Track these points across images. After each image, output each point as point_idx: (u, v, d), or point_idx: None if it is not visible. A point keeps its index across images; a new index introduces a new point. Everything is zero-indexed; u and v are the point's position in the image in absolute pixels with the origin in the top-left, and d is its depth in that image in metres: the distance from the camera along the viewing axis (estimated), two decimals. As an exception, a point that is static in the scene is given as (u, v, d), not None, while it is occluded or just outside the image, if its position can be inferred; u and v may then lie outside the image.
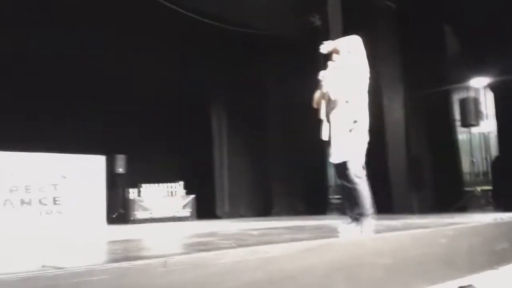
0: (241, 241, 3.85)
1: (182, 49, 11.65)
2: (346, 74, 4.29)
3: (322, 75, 4.38)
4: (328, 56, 4.46)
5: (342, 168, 4.26)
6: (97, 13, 9.89)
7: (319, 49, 4.47)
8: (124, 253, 3.39)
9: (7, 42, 9.20)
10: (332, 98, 4.26)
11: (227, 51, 11.52)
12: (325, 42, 4.46)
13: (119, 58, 10.61)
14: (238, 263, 2.80)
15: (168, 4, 9.37)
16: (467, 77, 10.70)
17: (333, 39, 11.04)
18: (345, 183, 4.28)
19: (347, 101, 4.23)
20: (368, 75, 4.37)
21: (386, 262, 3.60)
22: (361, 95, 4.33)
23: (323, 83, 4.34)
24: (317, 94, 4.46)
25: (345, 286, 3.29)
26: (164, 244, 4.47)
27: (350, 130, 4.21)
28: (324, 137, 4.30)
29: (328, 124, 4.29)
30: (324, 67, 4.45)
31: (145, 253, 3.61)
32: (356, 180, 4.23)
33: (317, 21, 11.98)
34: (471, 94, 10.64)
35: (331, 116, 4.28)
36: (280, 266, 2.99)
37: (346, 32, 10.67)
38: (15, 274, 2.18)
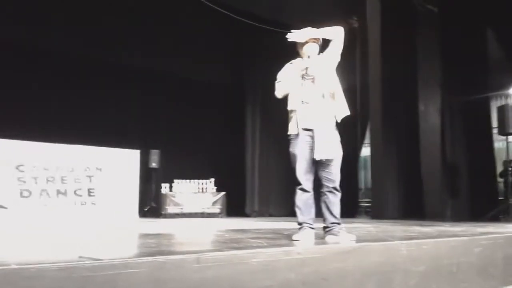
0: (272, 241, 3.85)
1: (222, 47, 11.76)
2: (327, 64, 4.06)
3: (307, 64, 4.04)
4: (298, 45, 4.14)
5: (322, 167, 3.90)
6: (134, 5, 10.06)
7: (287, 38, 4.06)
8: (158, 247, 3.43)
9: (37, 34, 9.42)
10: (322, 89, 3.95)
11: (266, 50, 11.55)
12: (301, 30, 4.08)
13: (152, 54, 10.77)
14: (272, 263, 2.81)
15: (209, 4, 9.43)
16: (507, 84, 10.47)
17: (371, 41, 11.00)
18: (326, 185, 3.90)
19: (333, 94, 3.97)
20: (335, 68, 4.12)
21: (419, 269, 3.56)
22: (339, 87, 4.07)
23: (307, 71, 4.00)
24: (285, 82, 4.08)
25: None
26: (196, 240, 4.50)
27: (337, 125, 3.96)
28: (299, 129, 3.93)
29: (303, 114, 3.93)
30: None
31: (178, 248, 3.65)
32: (338, 181, 3.93)
33: (355, 23, 11.90)
34: (510, 101, 10.38)
35: (315, 106, 3.91)
36: (313, 268, 2.99)
37: (384, 35, 10.67)
38: (53, 264, 2.23)
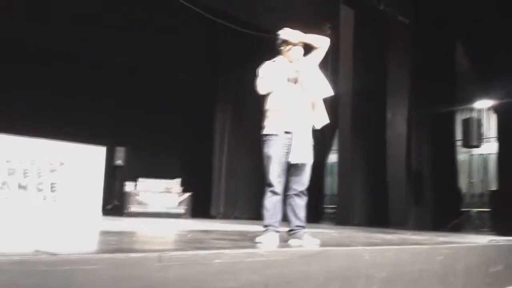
0: (236, 242, 3.82)
1: (190, 45, 11.67)
2: (317, 71, 4.06)
3: (299, 67, 4.00)
4: (284, 46, 4.08)
5: (296, 171, 3.88)
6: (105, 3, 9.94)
7: (278, 34, 4.06)
8: (119, 245, 3.36)
9: (9, 28, 9.21)
10: (309, 92, 3.93)
11: (236, 50, 11.53)
12: (290, 30, 4.06)
13: (125, 52, 10.64)
14: (235, 264, 2.77)
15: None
16: (472, 98, 10.70)
17: (343, 49, 11.10)
18: (295, 188, 3.89)
19: (316, 101, 3.97)
20: None
21: (381, 275, 3.58)
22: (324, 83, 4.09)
23: (298, 74, 3.96)
24: (272, 80, 3.97)
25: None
26: (158, 239, 4.43)
27: (313, 131, 3.96)
28: (279, 131, 3.87)
29: (285, 116, 3.87)
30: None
31: (139, 246, 3.58)
32: (307, 185, 3.93)
33: (328, 30, 11.98)
34: (475, 115, 10.62)
35: (299, 112, 3.88)
36: (276, 270, 2.96)
37: (356, 43, 10.78)
38: (8, 257, 2.15)
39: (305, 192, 3.91)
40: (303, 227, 3.87)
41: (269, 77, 3.98)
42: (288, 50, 4.08)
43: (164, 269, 2.50)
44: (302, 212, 3.89)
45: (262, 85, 3.99)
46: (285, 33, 4.05)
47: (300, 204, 3.89)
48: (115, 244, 3.43)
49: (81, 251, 2.91)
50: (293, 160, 3.80)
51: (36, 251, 2.51)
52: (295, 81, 3.96)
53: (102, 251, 2.91)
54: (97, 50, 10.37)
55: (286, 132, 3.87)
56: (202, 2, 9.72)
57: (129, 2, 10.29)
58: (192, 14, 9.87)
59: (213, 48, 12.27)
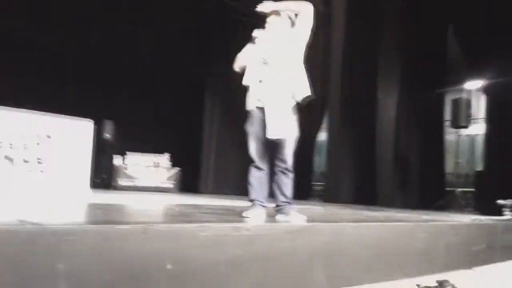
0: (222, 216, 3.84)
1: (179, 20, 11.57)
2: (288, 41, 3.92)
3: (257, 34, 3.97)
4: (266, 17, 4.04)
5: (275, 147, 3.85)
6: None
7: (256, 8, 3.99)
8: (105, 217, 3.37)
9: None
10: (274, 65, 3.84)
11: (226, 27, 11.43)
12: (266, 2, 4.02)
13: (113, 26, 10.52)
14: (220, 238, 2.79)
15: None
16: (462, 79, 10.73)
17: (335, 28, 11.02)
18: (278, 164, 3.87)
19: (289, 72, 3.84)
20: (305, 47, 3.98)
21: (366, 251, 3.62)
22: (302, 66, 3.95)
23: (257, 42, 3.94)
24: (243, 55, 4.02)
25: (325, 272, 3.30)
26: (145, 212, 4.44)
27: (294, 105, 3.85)
28: (251, 106, 3.89)
29: (257, 92, 3.87)
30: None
31: (125, 219, 3.59)
32: (290, 162, 3.87)
33: (320, 7, 11.89)
34: (464, 95, 10.66)
35: (270, 85, 3.83)
36: (262, 245, 2.99)
37: (348, 24, 10.73)
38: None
39: (290, 169, 3.89)
40: (289, 203, 3.89)
41: (240, 54, 4.03)
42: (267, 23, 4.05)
43: (150, 242, 2.51)
44: (287, 189, 3.90)
45: (236, 61, 4.06)
46: (261, 6, 4.00)
47: (285, 181, 3.89)
48: (101, 216, 3.44)
49: (67, 222, 2.91)
50: (268, 135, 3.77)
51: (21, 221, 2.51)
52: (263, 55, 3.91)
53: (87, 222, 2.91)
54: (85, 26, 10.25)
55: (258, 108, 3.87)
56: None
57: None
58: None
59: (201, 22, 12.12)
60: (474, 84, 10.70)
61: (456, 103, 9.99)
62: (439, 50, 10.54)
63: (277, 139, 3.79)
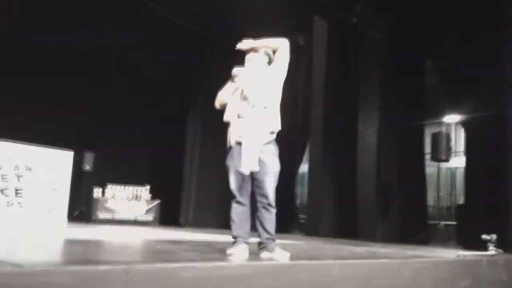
0: (205, 254, 3.77)
1: (164, 53, 11.58)
2: (264, 76, 3.98)
3: (237, 72, 4.02)
4: (245, 54, 4.11)
5: (257, 182, 3.83)
6: (80, 8, 9.79)
7: (235, 46, 4.08)
8: (85, 255, 3.28)
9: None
10: (252, 101, 3.88)
11: (209, 60, 11.47)
12: (245, 40, 4.08)
13: (98, 56, 10.49)
14: (203, 279, 2.72)
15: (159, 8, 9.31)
16: (441, 112, 10.88)
17: (316, 60, 11.15)
18: (260, 200, 3.82)
19: (266, 107, 3.88)
20: (282, 82, 4.04)
21: (350, 290, 3.57)
22: (278, 102, 4.00)
23: (236, 80, 3.99)
24: (224, 93, 4.09)
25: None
26: (126, 249, 4.34)
27: (268, 142, 3.87)
28: (231, 142, 3.92)
29: (236, 127, 3.89)
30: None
31: (106, 257, 3.50)
32: (272, 197, 3.83)
33: (301, 41, 12.06)
34: (444, 129, 10.79)
35: (246, 119, 3.85)
36: (245, 285, 2.92)
37: (329, 55, 10.87)
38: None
39: (272, 204, 3.85)
40: (273, 239, 3.84)
41: (220, 92, 4.12)
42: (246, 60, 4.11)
43: (131, 283, 2.44)
44: (270, 225, 3.85)
45: (215, 101, 4.16)
46: (240, 44, 4.07)
47: (267, 217, 3.84)
48: (81, 254, 3.35)
49: (46, 262, 2.82)
50: (242, 170, 3.75)
51: (0, 261, 2.42)
52: (241, 91, 3.96)
53: (67, 262, 2.83)
54: (67, 53, 10.19)
55: (238, 143, 3.87)
56: (173, 9, 9.69)
57: (103, 7, 10.13)
58: (164, 20, 9.83)
59: (183, 56, 12.15)
60: (453, 118, 10.85)
61: (436, 136, 10.12)
62: (418, 83, 10.70)
63: (256, 174, 3.78)
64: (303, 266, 3.46)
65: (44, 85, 10.06)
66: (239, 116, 3.91)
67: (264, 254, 3.76)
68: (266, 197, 3.83)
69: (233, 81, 4.04)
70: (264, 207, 3.84)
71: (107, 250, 4.17)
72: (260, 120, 3.85)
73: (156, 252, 3.85)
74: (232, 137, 3.92)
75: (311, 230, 10.67)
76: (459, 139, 12.08)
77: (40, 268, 2.28)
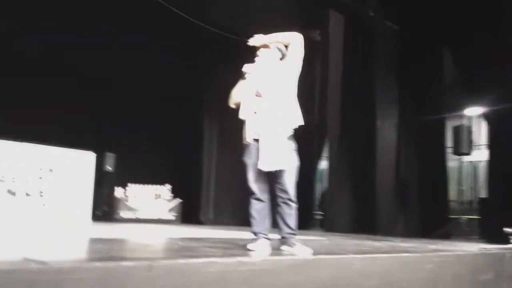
0: (227, 250, 3.80)
1: (180, 53, 11.65)
2: (279, 72, 3.95)
3: (248, 68, 3.99)
4: (257, 50, 4.09)
5: (275, 178, 3.84)
6: (95, 10, 9.88)
7: (247, 42, 4.05)
8: (109, 253, 3.33)
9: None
10: (266, 97, 3.87)
11: (225, 58, 11.50)
12: (256, 35, 4.05)
13: (116, 58, 10.59)
14: (225, 274, 2.76)
15: (170, 7, 9.36)
16: (462, 105, 10.75)
17: (332, 55, 11.13)
18: (280, 196, 3.84)
19: (282, 101, 3.85)
20: (297, 77, 3.99)
21: (371, 284, 3.58)
22: (294, 97, 3.96)
23: (248, 77, 3.96)
24: (236, 91, 4.07)
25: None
26: (149, 247, 4.40)
27: (289, 136, 3.83)
28: (249, 139, 3.89)
29: (254, 124, 3.88)
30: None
31: (130, 254, 3.55)
32: (293, 192, 3.84)
33: (317, 36, 12.02)
34: (465, 122, 10.68)
35: (264, 116, 3.85)
36: (267, 280, 2.95)
37: (346, 50, 10.82)
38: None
39: (292, 199, 3.86)
40: (294, 234, 3.86)
41: (234, 90, 4.09)
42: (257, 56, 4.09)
43: (155, 279, 2.48)
44: (291, 220, 3.87)
45: (229, 100, 4.13)
46: (250, 40, 4.05)
47: (288, 212, 3.86)
48: (105, 252, 3.40)
49: (70, 259, 2.88)
50: (261, 167, 3.77)
51: (25, 259, 2.48)
52: (255, 87, 3.94)
53: (91, 259, 2.88)
54: (87, 57, 10.32)
55: (255, 140, 3.87)
56: (185, 9, 9.72)
57: (111, 9, 10.21)
58: (177, 20, 9.88)
59: (198, 55, 12.18)
60: (474, 110, 10.73)
61: (457, 130, 10.02)
62: (438, 75, 10.60)
63: (275, 171, 3.78)
64: (324, 260, 3.47)
65: (67, 87, 10.20)
66: (254, 113, 3.91)
67: (285, 248, 3.78)
68: (286, 192, 3.84)
69: (244, 79, 4.02)
70: (285, 203, 3.85)
71: (130, 248, 4.23)
72: (277, 116, 3.84)
73: (178, 249, 3.89)
74: (248, 134, 3.91)
75: (330, 226, 10.66)
76: (480, 132, 11.94)
77: (65, 265, 2.32)
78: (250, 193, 3.93)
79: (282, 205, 3.87)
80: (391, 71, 10.76)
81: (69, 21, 9.91)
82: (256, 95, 3.93)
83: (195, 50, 12.06)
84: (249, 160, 3.91)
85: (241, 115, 3.98)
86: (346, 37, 10.84)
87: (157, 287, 2.48)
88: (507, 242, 5.85)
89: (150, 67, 11.25)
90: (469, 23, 9.45)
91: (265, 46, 4.03)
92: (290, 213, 3.87)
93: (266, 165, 3.75)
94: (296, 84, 4.02)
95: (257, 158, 3.83)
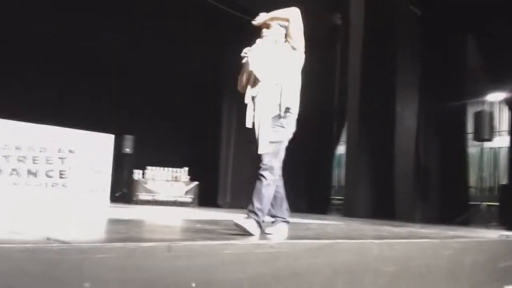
0: (245, 233, 3.81)
1: (201, 36, 11.63)
2: (277, 52, 3.81)
3: (246, 51, 3.86)
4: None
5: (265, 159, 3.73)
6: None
7: (253, 21, 3.93)
8: (128, 234, 3.37)
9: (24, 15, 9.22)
10: (259, 78, 3.74)
11: (243, 40, 11.46)
12: (261, 14, 3.92)
13: (138, 42, 10.64)
14: (243, 256, 2.77)
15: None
16: (484, 91, 10.60)
17: (353, 39, 10.99)
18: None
19: (276, 84, 3.71)
20: (303, 55, 3.86)
21: (389, 269, 3.56)
22: (293, 77, 3.82)
23: (247, 60, 3.81)
24: (241, 76, 3.94)
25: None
26: (167, 228, 4.44)
27: (280, 118, 3.71)
28: (248, 124, 3.79)
29: (252, 108, 3.77)
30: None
31: (149, 235, 3.59)
32: (266, 168, 3.71)
33: (338, 20, 11.90)
34: (486, 108, 10.53)
35: (257, 99, 3.75)
36: (285, 262, 2.96)
37: (366, 34, 10.69)
38: (19, 245, 2.17)
39: (263, 174, 3.74)
40: (253, 212, 3.72)
41: (239, 76, 3.97)
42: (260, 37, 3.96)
43: (173, 259, 2.50)
44: (257, 196, 3.78)
45: (238, 86, 4.00)
46: (255, 20, 3.94)
47: (257, 186, 3.78)
48: (124, 233, 3.44)
49: (91, 239, 2.91)
50: (258, 151, 3.73)
51: (48, 238, 2.52)
52: (251, 71, 3.81)
53: (112, 240, 2.91)
54: (106, 41, 10.37)
55: (253, 124, 3.80)
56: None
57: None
58: (197, 5, 9.84)
59: (218, 35, 12.14)
60: (496, 96, 10.57)
61: (478, 115, 9.87)
62: (460, 60, 10.44)
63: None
64: (342, 244, 3.47)
65: (87, 71, 10.26)
66: (253, 98, 3.81)
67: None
68: (260, 167, 3.75)
69: (244, 62, 3.90)
70: (257, 177, 3.77)
71: (149, 229, 4.28)
72: (270, 98, 3.73)
73: (196, 231, 3.92)
74: (247, 119, 3.82)
75: (348, 211, 10.63)
76: (502, 118, 11.77)
77: (87, 245, 2.35)
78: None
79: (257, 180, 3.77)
80: (413, 56, 10.62)
81: (90, 5, 9.96)
82: (255, 80, 3.80)
83: (216, 34, 12.03)
84: (253, 145, 3.84)
85: (245, 100, 3.87)
86: (367, 21, 10.69)
87: (176, 267, 2.50)
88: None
89: (172, 51, 11.27)
90: (492, 9, 9.27)
91: (267, 25, 3.90)
92: (258, 188, 3.76)
93: (260, 149, 3.70)
94: (298, 64, 3.89)
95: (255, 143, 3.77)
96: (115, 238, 3.01)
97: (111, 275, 2.30)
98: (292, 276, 2.97)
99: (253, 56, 3.81)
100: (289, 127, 3.81)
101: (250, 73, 3.83)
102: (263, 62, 3.79)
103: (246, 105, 3.86)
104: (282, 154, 3.79)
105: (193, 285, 2.53)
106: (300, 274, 3.01)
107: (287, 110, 3.74)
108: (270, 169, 3.71)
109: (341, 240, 3.63)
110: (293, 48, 3.85)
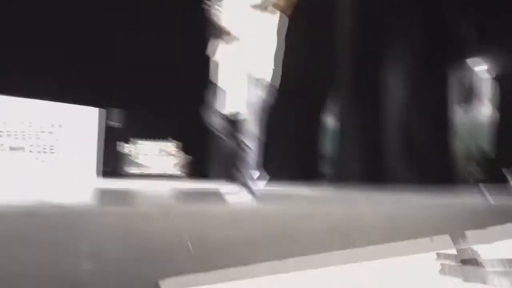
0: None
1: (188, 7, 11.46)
2: (251, 5, 3.51)
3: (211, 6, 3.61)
4: None
5: (233, 122, 3.67)
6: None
7: None
8: (124, 199, 3.39)
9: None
10: (230, 33, 3.51)
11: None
12: None
13: (122, 12, 10.46)
14: (240, 215, 2.80)
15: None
16: (471, 61, 10.62)
17: (342, 2, 10.72)
18: (238, 140, 3.66)
19: (253, 41, 3.48)
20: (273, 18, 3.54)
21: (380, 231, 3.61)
22: (272, 35, 3.58)
23: (214, 13, 3.59)
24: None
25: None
26: (162, 196, 4.46)
27: (258, 79, 3.52)
28: (215, 80, 3.66)
29: (221, 65, 3.65)
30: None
31: (145, 201, 3.60)
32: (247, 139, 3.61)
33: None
34: (474, 76, 10.58)
35: (229, 56, 3.59)
36: (278, 224, 2.99)
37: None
38: (13, 207, 2.17)
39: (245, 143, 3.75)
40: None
41: None
42: None
43: (171, 223, 2.52)
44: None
45: None
46: None
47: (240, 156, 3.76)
48: (119, 198, 3.45)
49: (87, 204, 2.92)
50: (222, 110, 3.83)
51: (41, 201, 2.53)
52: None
53: (106, 203, 2.93)
54: (92, 13, 10.19)
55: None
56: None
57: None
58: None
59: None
60: (483, 67, 10.59)
61: (465, 84, 9.92)
62: (448, 28, 10.39)
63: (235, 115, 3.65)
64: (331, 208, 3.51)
65: (74, 44, 10.09)
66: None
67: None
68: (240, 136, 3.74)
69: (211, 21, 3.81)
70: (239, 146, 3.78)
71: (145, 196, 4.29)
72: (244, 56, 3.58)
73: (191, 197, 3.94)
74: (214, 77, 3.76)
75: (337, 180, 10.68)
76: (487, 87, 11.81)
77: (81, 207, 2.36)
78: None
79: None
80: (403, 15, 10.49)
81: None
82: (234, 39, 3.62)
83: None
84: None
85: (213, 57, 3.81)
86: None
87: (173, 228, 2.52)
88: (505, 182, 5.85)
89: (158, 24, 11.08)
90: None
91: None
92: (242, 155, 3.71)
93: (226, 109, 3.78)
94: (279, 25, 3.65)
95: None
96: (111, 202, 3.02)
97: (108, 237, 2.30)
98: (284, 238, 3.00)
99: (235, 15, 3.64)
100: (266, 90, 3.67)
101: (222, 28, 3.62)
102: (234, 14, 3.62)
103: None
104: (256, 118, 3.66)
105: (190, 246, 2.56)
106: (292, 235, 3.05)
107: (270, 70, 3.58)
108: (251, 132, 3.61)
109: (331, 205, 3.67)
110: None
